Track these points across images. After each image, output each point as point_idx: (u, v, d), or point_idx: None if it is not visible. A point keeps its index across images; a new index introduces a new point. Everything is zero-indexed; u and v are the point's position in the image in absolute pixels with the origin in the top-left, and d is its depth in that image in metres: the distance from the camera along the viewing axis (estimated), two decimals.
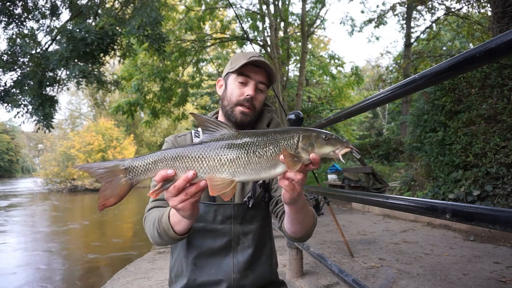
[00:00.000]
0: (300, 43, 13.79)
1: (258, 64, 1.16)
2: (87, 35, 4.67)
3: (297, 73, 15.72)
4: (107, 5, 6.25)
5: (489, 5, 7.24)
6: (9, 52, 5.12)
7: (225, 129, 0.83)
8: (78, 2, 5.87)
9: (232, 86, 1.18)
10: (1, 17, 5.35)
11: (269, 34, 12.46)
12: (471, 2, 8.96)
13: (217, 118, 1.28)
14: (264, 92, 1.21)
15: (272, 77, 1.21)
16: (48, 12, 5.84)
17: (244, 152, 0.78)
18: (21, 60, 5.21)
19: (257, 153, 0.78)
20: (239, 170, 0.78)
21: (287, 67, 14.88)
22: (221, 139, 0.81)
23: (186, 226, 1.00)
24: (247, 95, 1.15)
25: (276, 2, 12.44)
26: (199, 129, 1.31)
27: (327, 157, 0.80)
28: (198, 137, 1.27)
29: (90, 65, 5.20)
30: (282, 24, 13.53)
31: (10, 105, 5.08)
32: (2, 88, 5.21)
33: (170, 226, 1.01)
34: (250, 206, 1.19)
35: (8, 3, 5.34)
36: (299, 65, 13.36)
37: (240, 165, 0.77)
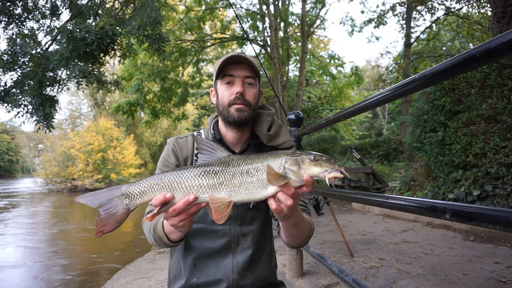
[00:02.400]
0: (300, 43, 13.79)
1: (237, 60, 1.15)
2: (87, 35, 4.67)
3: (297, 73, 15.72)
4: (107, 5, 6.25)
5: (489, 5, 7.24)
6: (9, 52, 5.12)
7: (220, 152, 0.87)
8: (78, 2, 5.87)
9: (221, 90, 1.18)
10: (1, 17, 5.35)
11: (269, 34, 12.45)
12: (471, 2, 8.96)
13: (217, 122, 1.29)
14: (254, 85, 1.19)
15: (256, 68, 1.20)
16: (48, 12, 5.84)
17: (238, 173, 0.81)
18: (21, 60, 5.20)
19: (249, 173, 0.81)
20: (234, 190, 0.81)
21: (287, 67, 14.87)
22: (218, 162, 0.84)
23: (181, 235, 1.02)
24: (236, 93, 1.15)
25: (276, 2, 12.44)
26: (201, 131, 1.32)
27: (318, 179, 0.80)
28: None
29: (90, 65, 5.19)
30: (282, 24, 13.52)
31: (10, 105, 5.07)
32: (2, 88, 5.20)
33: (164, 235, 1.03)
34: (250, 207, 1.19)
35: (8, 3, 5.34)
36: (299, 65, 13.35)
37: (235, 185, 0.81)
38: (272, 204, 0.83)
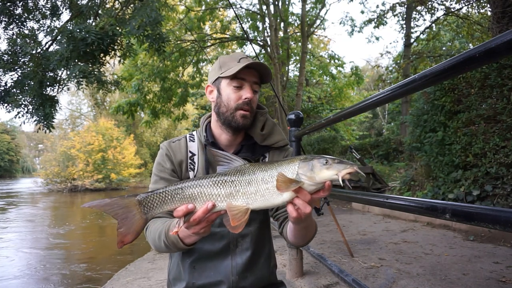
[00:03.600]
0: (300, 43, 13.78)
1: (251, 66, 1.13)
2: (87, 35, 4.66)
3: (297, 73, 15.71)
4: (107, 5, 6.25)
5: (488, 5, 7.24)
6: (10, 52, 5.11)
7: (237, 161, 0.90)
8: (78, 2, 5.87)
9: (227, 91, 1.15)
10: (1, 17, 5.35)
11: (269, 34, 12.45)
12: (471, 2, 8.96)
13: (209, 122, 1.26)
14: (258, 92, 1.19)
15: (264, 75, 1.18)
16: (48, 12, 5.84)
17: (254, 181, 0.83)
18: (22, 60, 5.20)
19: (265, 180, 0.83)
20: (251, 197, 0.83)
21: (287, 67, 14.86)
22: (234, 171, 0.87)
23: (197, 238, 1.01)
24: (246, 98, 1.13)
25: (276, 2, 12.44)
26: (194, 132, 1.30)
27: (333, 182, 0.81)
28: (193, 141, 1.25)
29: (90, 65, 5.19)
30: (282, 24, 13.52)
31: (10, 105, 5.07)
32: (3, 88, 5.20)
33: (179, 239, 1.01)
34: None
35: (8, 3, 5.34)
36: (299, 65, 13.35)
37: (251, 193, 0.83)
38: (293, 212, 0.84)
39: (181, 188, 0.84)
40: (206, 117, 1.30)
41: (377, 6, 17.67)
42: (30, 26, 5.54)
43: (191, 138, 1.26)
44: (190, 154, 1.22)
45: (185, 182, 0.86)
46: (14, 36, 5.33)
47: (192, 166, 1.21)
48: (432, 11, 10.07)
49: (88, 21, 5.65)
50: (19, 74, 5.19)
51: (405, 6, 11.20)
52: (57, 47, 5.22)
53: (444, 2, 9.56)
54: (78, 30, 4.65)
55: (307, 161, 0.81)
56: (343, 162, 0.79)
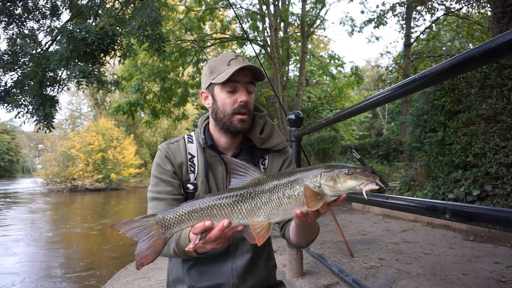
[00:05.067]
0: (300, 43, 13.78)
1: (242, 68, 1.10)
2: (87, 35, 4.67)
3: (297, 73, 15.71)
4: (107, 5, 6.25)
5: (488, 5, 7.24)
6: (10, 52, 5.12)
7: (254, 173, 0.86)
8: (78, 2, 5.87)
9: (221, 97, 1.12)
10: (1, 17, 5.35)
11: (269, 34, 12.45)
12: (471, 2, 8.96)
13: (207, 125, 1.25)
14: (253, 91, 1.16)
15: (257, 73, 1.14)
16: (48, 12, 5.84)
17: (275, 195, 0.81)
18: (22, 60, 5.20)
19: (286, 194, 0.81)
20: (273, 212, 0.81)
21: (287, 67, 14.85)
22: (252, 184, 0.84)
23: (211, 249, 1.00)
24: (241, 102, 1.11)
25: (276, 2, 12.43)
26: (192, 133, 1.27)
27: (353, 192, 0.81)
28: (192, 142, 1.23)
29: (90, 65, 5.19)
30: (282, 24, 13.51)
31: (10, 105, 5.07)
32: (3, 88, 5.20)
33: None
34: None
35: (8, 3, 5.34)
36: (299, 65, 13.35)
37: (273, 207, 0.81)
38: (303, 219, 0.83)
39: (199, 206, 0.83)
40: (204, 119, 1.28)
41: (377, 6, 17.65)
42: (30, 26, 5.55)
43: (190, 140, 1.24)
44: (189, 156, 1.21)
45: (203, 199, 0.84)
46: (14, 36, 5.34)
47: (192, 168, 1.19)
48: (432, 11, 10.07)
49: (88, 21, 5.65)
50: (19, 74, 5.19)
51: (405, 6, 11.20)
52: (57, 47, 5.22)
53: (444, 2, 9.56)
54: (78, 30, 4.65)
55: (329, 171, 0.80)
56: (365, 172, 0.79)
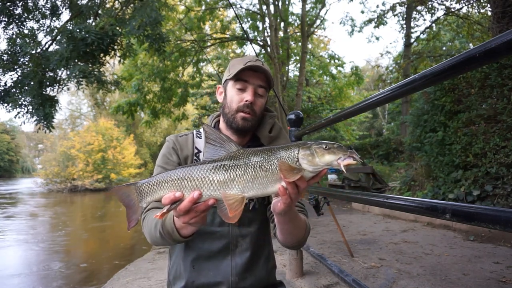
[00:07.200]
0: (300, 43, 13.78)
1: (255, 68, 1.14)
2: (87, 35, 4.67)
3: (297, 73, 15.71)
4: (107, 5, 6.25)
5: (489, 5, 7.24)
6: (9, 52, 5.12)
7: (230, 145, 0.83)
8: (78, 2, 5.87)
9: (231, 93, 1.17)
10: (1, 17, 5.35)
11: (269, 34, 12.45)
12: (471, 2, 8.96)
13: (218, 121, 1.28)
14: (263, 96, 1.19)
15: (269, 79, 1.19)
16: (48, 12, 5.84)
17: (251, 167, 0.79)
18: (21, 60, 5.20)
19: (262, 167, 0.78)
20: (247, 185, 0.78)
21: (287, 67, 14.86)
22: (227, 156, 0.81)
23: (193, 229, 1.00)
24: (246, 101, 1.14)
25: (276, 2, 12.43)
26: (201, 129, 1.30)
27: (331, 167, 0.79)
28: (200, 138, 1.25)
29: (90, 65, 5.20)
30: (282, 24, 13.51)
31: (10, 105, 5.07)
32: (2, 88, 5.20)
33: (175, 229, 1.00)
34: (250, 208, 1.19)
35: (8, 3, 5.34)
36: (299, 65, 13.35)
37: (248, 180, 0.78)
38: (287, 199, 0.81)
39: (171, 177, 0.81)
40: (215, 116, 1.31)
41: (377, 6, 17.72)
42: (30, 26, 5.55)
43: (198, 135, 1.27)
44: (196, 151, 1.23)
45: (176, 169, 0.83)
46: (14, 36, 5.33)
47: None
48: (432, 11, 10.08)
49: (88, 21, 5.65)
50: (19, 74, 5.20)
51: (405, 6, 11.21)
52: (57, 47, 5.23)
53: (444, 2, 9.57)
54: (78, 30, 4.65)
55: (307, 146, 0.79)
56: (342, 147, 0.78)
